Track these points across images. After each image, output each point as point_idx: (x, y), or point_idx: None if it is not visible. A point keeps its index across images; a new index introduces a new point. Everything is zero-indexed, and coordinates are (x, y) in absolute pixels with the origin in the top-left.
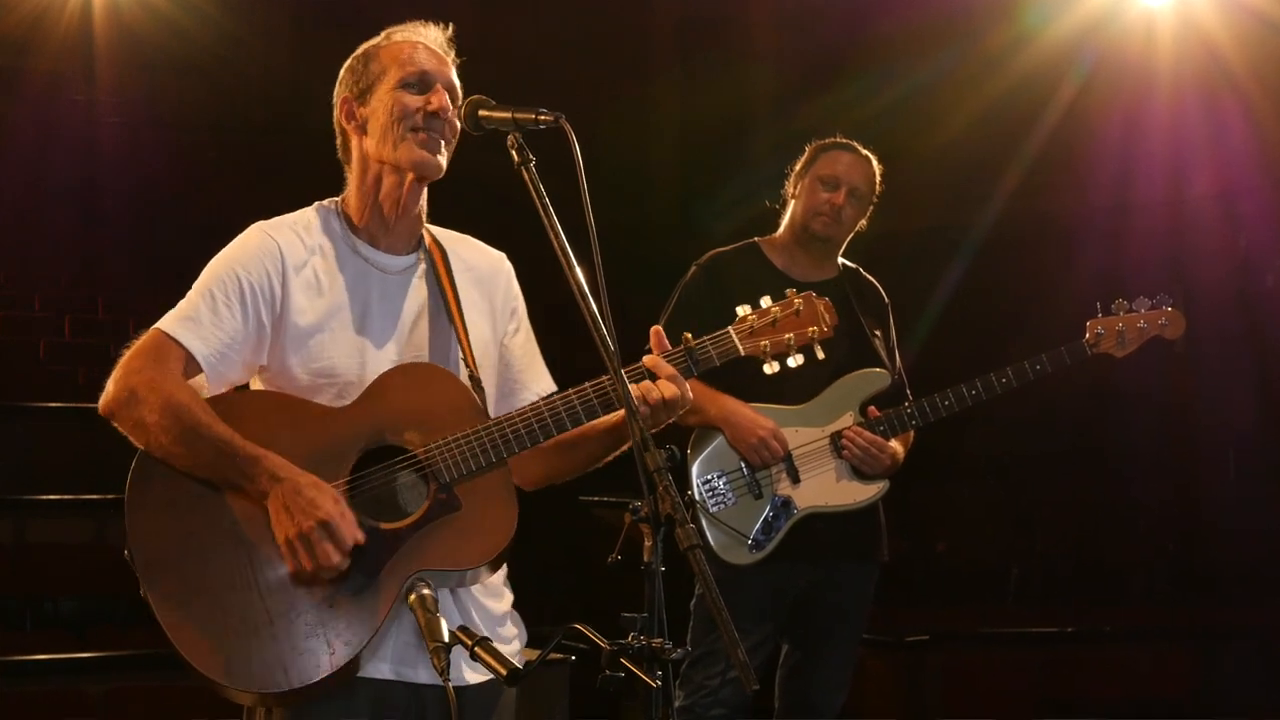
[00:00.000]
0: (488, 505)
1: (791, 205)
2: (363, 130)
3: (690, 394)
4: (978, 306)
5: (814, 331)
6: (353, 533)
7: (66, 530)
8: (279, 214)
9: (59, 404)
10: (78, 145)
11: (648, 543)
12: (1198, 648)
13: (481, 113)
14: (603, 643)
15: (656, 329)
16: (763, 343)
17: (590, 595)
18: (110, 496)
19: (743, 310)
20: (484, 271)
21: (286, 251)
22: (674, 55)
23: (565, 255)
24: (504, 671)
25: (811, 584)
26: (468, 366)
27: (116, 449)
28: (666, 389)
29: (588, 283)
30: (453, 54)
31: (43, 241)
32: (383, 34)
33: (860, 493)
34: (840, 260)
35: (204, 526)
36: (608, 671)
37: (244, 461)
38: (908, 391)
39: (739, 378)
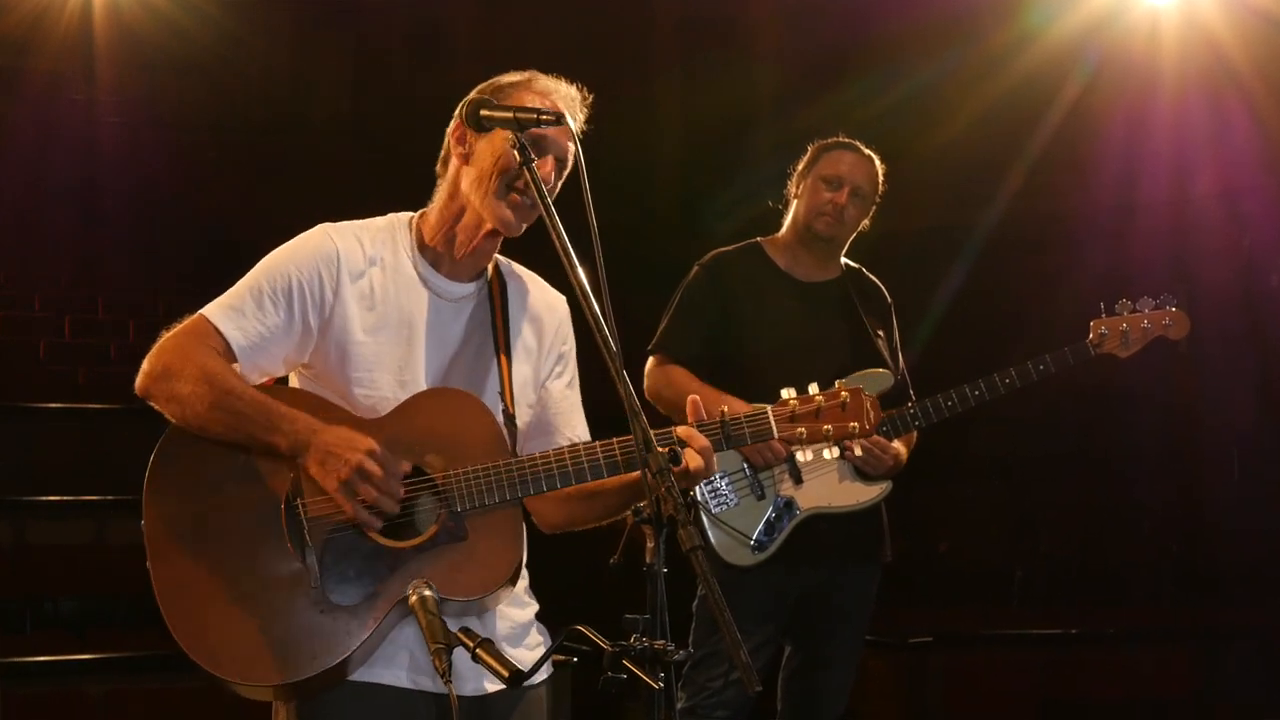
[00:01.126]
0: (492, 541)
1: (794, 205)
2: (466, 160)
3: (716, 467)
4: (981, 306)
5: (854, 427)
6: (398, 461)
7: (66, 531)
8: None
9: (59, 404)
10: (78, 145)
11: (650, 544)
12: (1201, 648)
13: (484, 112)
14: (605, 644)
15: (694, 399)
16: (799, 430)
17: (592, 597)
18: (110, 497)
19: (787, 393)
20: (538, 311)
21: (345, 257)
22: (676, 54)
23: (567, 255)
24: (505, 673)
25: (814, 585)
26: (504, 402)
27: (116, 450)
28: (693, 460)
29: (589, 282)
30: (582, 117)
31: (43, 241)
32: (526, 74)
33: (863, 493)
34: (843, 260)
35: (216, 516)
36: (610, 673)
37: (280, 418)
38: (910, 392)
39: (741, 378)
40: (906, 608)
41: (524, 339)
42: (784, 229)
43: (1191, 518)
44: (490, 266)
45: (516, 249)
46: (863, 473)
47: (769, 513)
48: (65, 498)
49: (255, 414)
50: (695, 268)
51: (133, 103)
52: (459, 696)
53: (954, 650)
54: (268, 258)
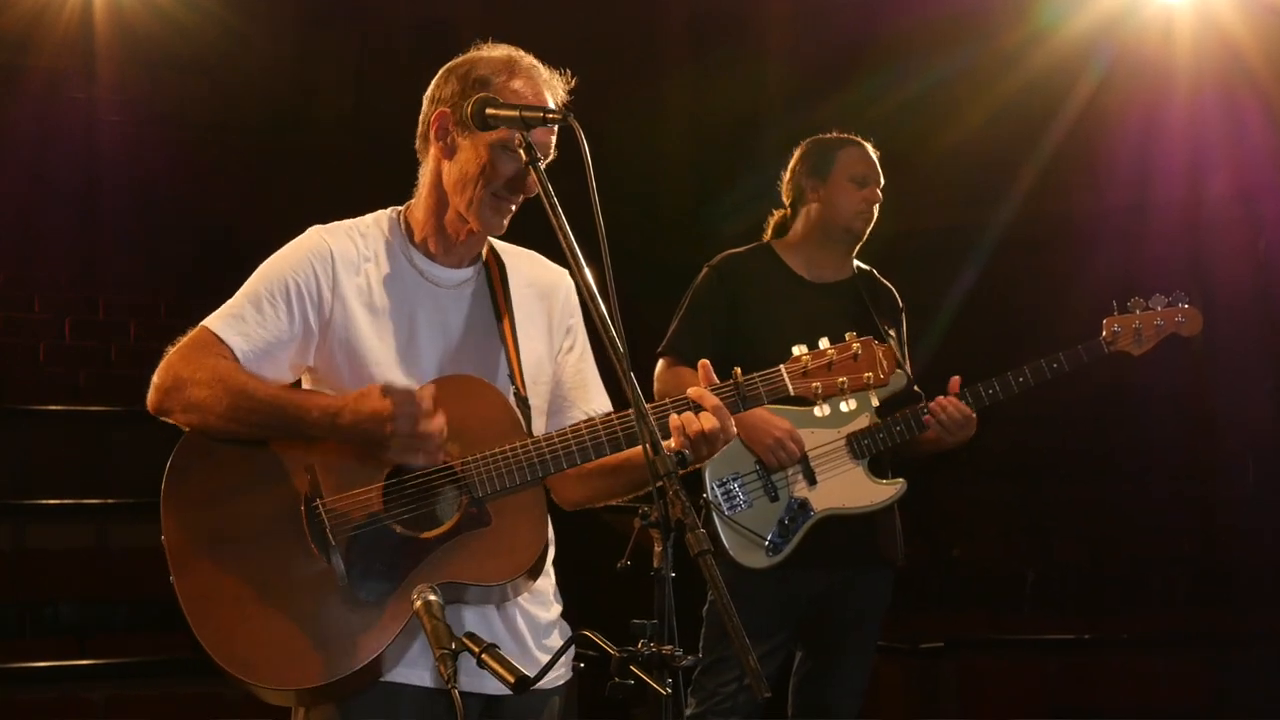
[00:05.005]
0: (517, 523)
1: (812, 207)
2: (448, 154)
3: (734, 429)
4: (994, 306)
5: (869, 377)
6: (412, 399)
7: (67, 535)
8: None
9: (59, 407)
10: (78, 144)
11: (658, 548)
12: (1215, 653)
13: (489, 111)
14: (613, 650)
15: (705, 363)
16: (814, 384)
17: (599, 601)
18: (111, 501)
19: (798, 350)
20: (543, 288)
21: (339, 256)
22: (685, 52)
23: (574, 255)
24: (511, 679)
25: (826, 589)
26: (514, 384)
27: (117, 453)
28: (708, 421)
29: (597, 284)
30: (564, 95)
31: (43, 241)
32: (505, 58)
33: (878, 494)
34: (854, 262)
35: (235, 523)
36: (618, 679)
37: (305, 398)
38: (919, 392)
39: None
40: (919, 612)
41: (531, 317)
42: (797, 230)
43: (1206, 521)
44: (485, 249)
45: (520, 243)
46: (878, 474)
47: (783, 514)
48: (65, 502)
49: (278, 402)
50: (704, 269)
51: (134, 101)
52: (467, 695)
53: (967, 655)
54: (263, 265)
